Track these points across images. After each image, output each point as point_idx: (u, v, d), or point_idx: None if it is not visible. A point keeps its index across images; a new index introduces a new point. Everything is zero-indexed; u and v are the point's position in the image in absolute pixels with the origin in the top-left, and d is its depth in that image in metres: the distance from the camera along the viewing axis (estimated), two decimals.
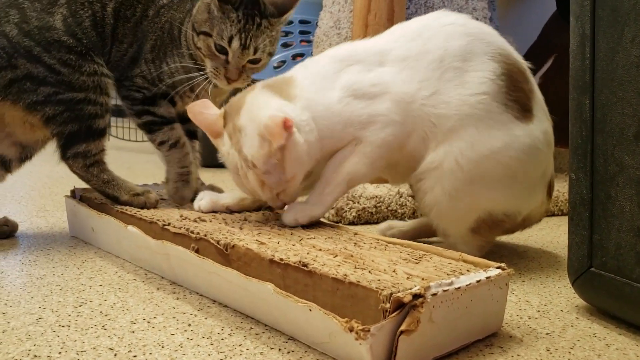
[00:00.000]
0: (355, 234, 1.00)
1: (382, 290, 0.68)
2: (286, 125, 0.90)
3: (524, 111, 1.03)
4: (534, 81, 1.09)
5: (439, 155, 1.03)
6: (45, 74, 1.08)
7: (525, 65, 1.08)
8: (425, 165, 1.04)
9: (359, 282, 0.71)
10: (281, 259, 0.80)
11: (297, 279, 0.78)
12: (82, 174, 1.15)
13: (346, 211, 1.50)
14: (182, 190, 1.19)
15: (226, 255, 0.87)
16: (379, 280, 0.72)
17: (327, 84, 1.03)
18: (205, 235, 0.91)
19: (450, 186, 1.02)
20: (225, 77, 1.11)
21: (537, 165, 1.07)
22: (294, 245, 0.89)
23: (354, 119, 1.02)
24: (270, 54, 1.15)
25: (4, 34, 1.08)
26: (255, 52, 1.10)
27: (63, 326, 0.79)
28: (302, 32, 2.53)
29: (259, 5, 1.09)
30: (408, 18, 1.85)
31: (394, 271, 0.78)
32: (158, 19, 1.19)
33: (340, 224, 1.27)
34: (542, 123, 1.07)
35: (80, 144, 1.12)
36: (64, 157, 1.14)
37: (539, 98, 1.08)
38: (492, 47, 1.05)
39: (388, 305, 0.67)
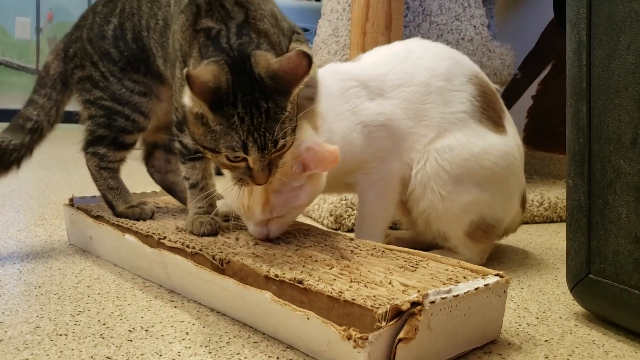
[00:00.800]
0: (352, 240, 1.00)
1: (378, 308, 0.68)
2: (336, 159, 0.92)
3: (497, 126, 1.12)
4: (502, 102, 1.18)
5: (421, 162, 1.10)
6: (99, 79, 1.15)
7: (494, 88, 1.18)
8: (412, 179, 1.11)
9: (354, 300, 0.71)
10: (276, 275, 0.80)
11: (292, 295, 0.78)
12: (93, 172, 1.19)
13: (345, 218, 1.50)
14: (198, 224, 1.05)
15: (222, 270, 0.87)
16: (374, 296, 0.72)
17: (339, 115, 1.09)
18: (201, 250, 0.91)
19: (439, 186, 1.08)
20: (255, 183, 0.88)
21: (513, 173, 1.13)
22: (290, 256, 0.89)
23: (364, 152, 1.10)
24: (294, 130, 0.89)
25: (79, 37, 1.18)
26: (276, 145, 0.84)
27: (60, 335, 0.79)
28: None
29: (256, 84, 0.83)
30: (406, 26, 1.86)
31: (390, 283, 0.78)
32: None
33: (339, 232, 1.27)
34: (514, 138, 1.15)
35: (103, 147, 1.17)
36: (85, 149, 1.19)
37: (509, 117, 1.17)
38: (469, 70, 1.14)
39: (384, 324, 0.66)
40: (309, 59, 0.83)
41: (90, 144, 1.17)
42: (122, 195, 1.16)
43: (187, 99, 0.82)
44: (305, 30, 2.55)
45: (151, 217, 1.14)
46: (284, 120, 0.83)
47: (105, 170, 1.18)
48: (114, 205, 1.15)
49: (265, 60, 0.85)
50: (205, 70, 0.83)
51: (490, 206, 1.11)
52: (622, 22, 0.79)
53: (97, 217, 1.15)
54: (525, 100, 2.44)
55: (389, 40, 1.70)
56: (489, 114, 1.12)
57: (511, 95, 2.54)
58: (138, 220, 1.12)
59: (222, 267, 0.87)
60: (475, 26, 1.92)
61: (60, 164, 2.50)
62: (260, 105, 0.82)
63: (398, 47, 1.19)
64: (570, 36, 0.88)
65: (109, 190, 1.17)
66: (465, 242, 1.12)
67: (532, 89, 2.42)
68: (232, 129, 0.82)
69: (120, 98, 1.14)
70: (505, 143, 1.11)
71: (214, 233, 1.01)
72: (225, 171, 0.91)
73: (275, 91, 0.83)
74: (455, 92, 1.11)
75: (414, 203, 1.12)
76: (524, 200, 1.22)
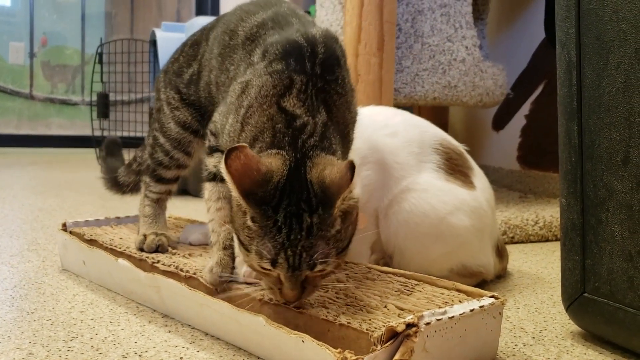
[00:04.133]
0: (347, 263, 0.99)
1: (373, 332, 0.68)
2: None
3: (466, 183, 1.17)
4: (471, 160, 1.24)
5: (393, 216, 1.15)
6: (158, 108, 1.18)
7: (461, 148, 1.24)
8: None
9: (349, 323, 0.70)
10: (270, 299, 0.80)
11: (287, 319, 0.77)
12: (141, 196, 1.21)
13: None
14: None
15: (216, 294, 0.87)
16: (369, 320, 0.72)
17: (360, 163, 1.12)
18: (195, 274, 0.91)
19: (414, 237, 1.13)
20: (283, 299, 0.77)
21: (485, 225, 1.17)
22: None
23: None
24: (341, 251, 0.77)
25: (163, 70, 1.21)
26: (312, 268, 0.73)
27: None
28: None
29: (307, 192, 0.73)
30: (398, 47, 1.87)
31: (385, 307, 0.78)
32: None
33: None
34: (484, 192, 1.19)
35: (147, 176, 1.19)
36: (141, 174, 1.23)
37: (479, 173, 1.22)
38: (435, 138, 1.20)
39: (379, 347, 0.66)
40: (353, 170, 0.73)
41: (144, 171, 1.21)
42: (147, 226, 1.15)
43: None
44: None
45: (156, 251, 1.07)
46: (328, 240, 0.74)
47: (147, 198, 1.19)
48: (139, 231, 1.15)
49: (321, 166, 0.76)
50: (268, 159, 0.75)
51: (470, 254, 1.15)
52: (611, 41, 0.80)
53: (90, 242, 1.14)
54: (519, 120, 2.46)
55: (381, 62, 1.71)
56: (456, 175, 1.17)
57: (504, 115, 2.55)
58: (141, 250, 1.07)
59: (217, 291, 0.87)
60: (467, 47, 1.94)
61: (54, 188, 2.49)
62: (303, 219, 0.72)
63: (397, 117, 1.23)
64: (560, 56, 0.89)
65: (142, 217, 1.18)
66: (452, 277, 1.13)
67: (525, 109, 2.43)
68: (267, 234, 0.73)
69: (166, 131, 1.14)
70: (475, 198, 1.15)
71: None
72: (264, 288, 0.81)
73: (322, 203, 0.73)
74: (424, 164, 1.16)
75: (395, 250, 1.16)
76: (499, 251, 1.25)
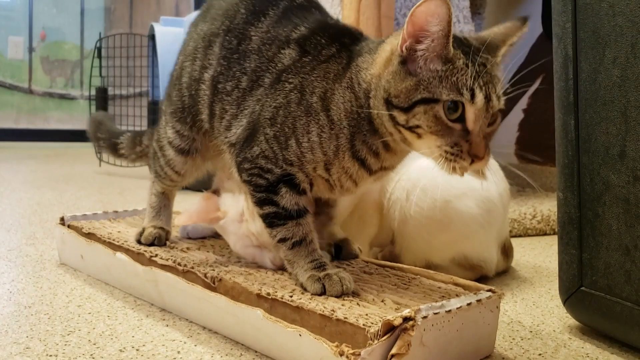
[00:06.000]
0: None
1: (370, 327, 0.68)
2: None
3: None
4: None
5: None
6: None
7: None
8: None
9: (346, 318, 0.70)
10: (268, 294, 0.80)
11: (285, 314, 0.77)
12: (150, 181, 1.18)
13: None
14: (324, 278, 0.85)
15: (214, 288, 0.87)
16: (366, 315, 0.72)
17: None
18: (193, 268, 0.91)
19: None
20: (470, 155, 0.75)
21: (492, 219, 1.14)
22: (282, 274, 0.89)
23: None
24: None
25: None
26: (500, 101, 0.78)
27: (50, 356, 0.78)
28: None
29: (471, 44, 0.79)
30: None
31: (382, 301, 0.78)
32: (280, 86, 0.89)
33: None
34: (497, 186, 1.16)
35: (152, 172, 1.15)
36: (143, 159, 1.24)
37: (494, 165, 1.18)
38: None
39: (376, 342, 0.66)
40: None
41: (150, 165, 1.18)
42: (153, 217, 1.13)
43: (405, 33, 0.76)
44: None
45: (152, 244, 1.06)
46: (501, 83, 0.79)
47: (154, 187, 1.15)
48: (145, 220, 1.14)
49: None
50: None
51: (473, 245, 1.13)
52: (607, 36, 0.80)
53: (88, 235, 1.14)
54: (517, 114, 2.46)
55: None
56: None
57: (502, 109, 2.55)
58: (139, 243, 1.07)
59: (213, 285, 0.87)
60: None
61: (52, 182, 2.49)
62: (481, 56, 0.77)
63: None
64: (556, 50, 0.89)
65: (148, 206, 1.15)
66: (452, 268, 1.13)
67: (523, 103, 2.43)
68: (460, 70, 0.75)
69: (161, 141, 1.10)
70: (487, 188, 1.12)
71: (348, 291, 0.82)
72: (428, 146, 0.78)
73: (485, 51, 0.78)
74: None
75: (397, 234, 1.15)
76: (505, 249, 1.23)
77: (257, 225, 0.92)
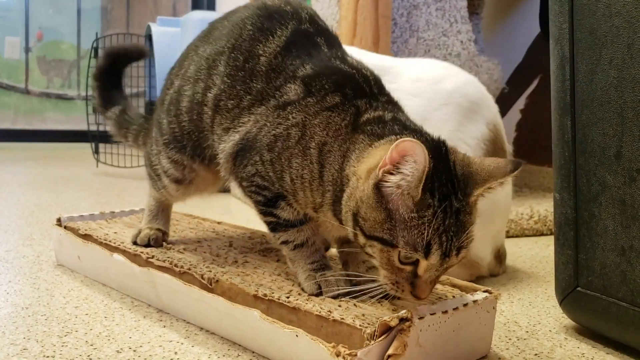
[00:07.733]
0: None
1: (366, 327, 0.68)
2: None
3: None
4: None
5: None
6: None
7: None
8: None
9: (343, 319, 0.71)
10: (265, 295, 0.80)
11: (281, 314, 0.77)
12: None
13: None
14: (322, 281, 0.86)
15: (211, 289, 0.87)
16: (363, 315, 0.72)
17: None
18: (189, 269, 0.91)
19: None
20: (412, 295, 0.73)
21: (493, 218, 1.13)
22: (279, 274, 0.89)
23: None
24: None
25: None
26: (458, 254, 0.72)
27: (48, 357, 0.78)
28: None
29: (449, 175, 0.72)
30: (393, 42, 1.87)
31: (379, 302, 0.78)
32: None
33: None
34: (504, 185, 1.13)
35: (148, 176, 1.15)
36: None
37: None
38: None
39: (372, 342, 0.66)
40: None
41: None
42: (150, 220, 1.13)
43: (378, 174, 0.71)
44: None
45: (148, 245, 1.06)
46: (471, 227, 0.73)
47: (151, 195, 1.15)
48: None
49: (458, 153, 0.76)
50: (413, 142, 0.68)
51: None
52: (604, 37, 0.80)
53: (85, 236, 1.14)
54: (514, 114, 2.46)
55: None
56: None
57: (499, 110, 2.55)
58: (135, 244, 1.07)
59: (210, 286, 0.87)
60: (462, 41, 1.94)
61: (50, 183, 2.48)
62: (452, 204, 0.70)
63: None
64: (553, 51, 0.89)
65: (146, 208, 1.15)
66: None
67: (520, 103, 2.44)
68: (423, 222, 0.69)
69: (155, 168, 1.09)
70: None
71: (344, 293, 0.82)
72: (382, 270, 0.74)
73: (463, 189, 0.72)
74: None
75: None
76: (498, 255, 1.23)
77: None
